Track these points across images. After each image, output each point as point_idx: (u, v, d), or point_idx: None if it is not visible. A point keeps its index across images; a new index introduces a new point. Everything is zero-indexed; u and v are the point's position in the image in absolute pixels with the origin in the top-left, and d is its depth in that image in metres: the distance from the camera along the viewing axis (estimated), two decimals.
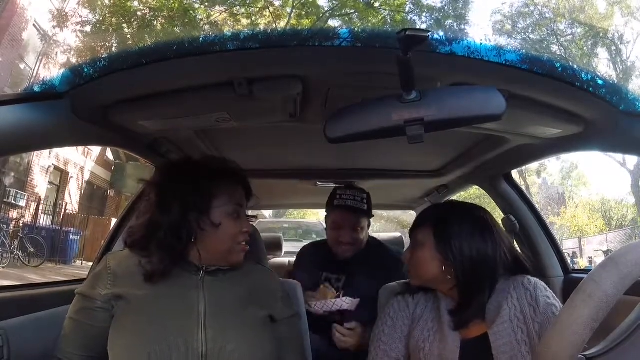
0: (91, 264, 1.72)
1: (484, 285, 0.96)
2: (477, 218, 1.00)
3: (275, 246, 2.83)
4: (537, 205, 1.65)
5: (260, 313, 0.95)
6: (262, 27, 8.85)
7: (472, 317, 0.96)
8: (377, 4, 9.29)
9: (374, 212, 1.63)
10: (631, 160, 15.64)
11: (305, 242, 1.85)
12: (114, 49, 8.94)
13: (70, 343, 0.89)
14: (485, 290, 0.96)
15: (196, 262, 0.93)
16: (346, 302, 1.40)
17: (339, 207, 1.54)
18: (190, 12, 8.67)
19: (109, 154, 12.76)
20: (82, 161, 11.89)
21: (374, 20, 8.96)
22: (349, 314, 1.41)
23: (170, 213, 0.89)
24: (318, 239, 1.96)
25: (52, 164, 10.81)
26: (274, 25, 8.90)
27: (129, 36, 8.62)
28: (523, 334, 0.92)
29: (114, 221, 3.07)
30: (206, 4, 9.16)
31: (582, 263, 12.95)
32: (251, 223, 1.01)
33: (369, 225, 1.61)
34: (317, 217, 13.87)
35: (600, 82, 0.86)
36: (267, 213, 12.49)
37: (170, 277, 0.91)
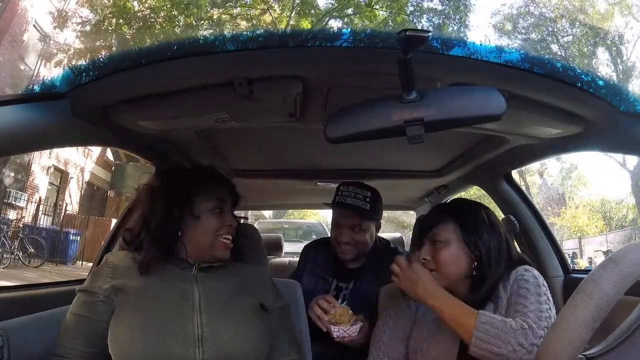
0: (91, 264, 1.72)
1: (500, 277, 0.98)
2: (488, 214, 1.03)
3: (275, 246, 2.83)
4: (537, 206, 1.65)
5: (252, 301, 1.00)
6: (262, 27, 8.85)
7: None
8: (377, 6, 9.28)
9: None
10: (631, 160, 15.64)
11: (305, 243, 1.81)
12: (114, 49, 8.94)
13: (72, 338, 0.91)
14: (500, 281, 0.98)
15: (188, 259, 0.98)
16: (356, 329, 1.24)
17: (337, 205, 1.45)
18: (192, 7, 8.65)
19: (109, 155, 12.76)
20: (82, 162, 11.89)
21: (373, 23, 8.94)
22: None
23: (157, 211, 0.97)
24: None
25: (52, 165, 10.80)
26: (274, 27, 8.90)
27: (128, 37, 8.62)
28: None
29: (114, 222, 3.07)
30: (206, 3, 9.16)
31: (582, 263, 12.93)
32: (251, 224, 1.03)
33: (378, 228, 1.50)
34: (317, 217, 13.89)
35: (600, 82, 0.86)
36: (267, 213, 12.50)
37: (166, 273, 0.96)
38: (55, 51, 9.69)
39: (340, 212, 1.45)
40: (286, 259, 2.71)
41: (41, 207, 10.41)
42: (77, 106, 0.87)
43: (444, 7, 9.86)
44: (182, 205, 0.98)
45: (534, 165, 18.74)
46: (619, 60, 12.69)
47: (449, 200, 1.05)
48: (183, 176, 1.05)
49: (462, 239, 0.98)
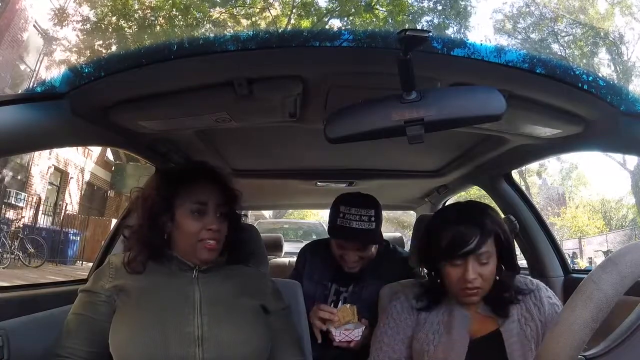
0: (91, 264, 1.72)
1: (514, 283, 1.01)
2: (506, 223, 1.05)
3: (275, 246, 2.83)
4: (537, 206, 1.65)
5: (253, 302, 1.00)
6: (262, 27, 8.84)
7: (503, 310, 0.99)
8: (377, 6, 9.28)
9: None
10: (631, 160, 15.65)
11: (306, 243, 1.80)
12: (113, 48, 8.94)
13: (74, 338, 0.91)
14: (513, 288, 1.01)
15: (186, 261, 0.98)
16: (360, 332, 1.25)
17: (341, 229, 1.34)
18: (193, 10, 8.65)
19: (109, 155, 12.75)
20: (82, 162, 11.88)
21: (373, 23, 8.94)
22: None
23: (144, 218, 0.98)
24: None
25: (52, 165, 10.80)
26: (274, 26, 8.90)
27: (129, 36, 8.61)
28: (532, 331, 0.95)
29: (114, 222, 3.07)
30: (206, 3, 9.16)
31: (582, 264, 12.93)
32: (250, 223, 1.02)
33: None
34: (317, 217, 13.88)
35: (600, 82, 0.86)
36: (267, 213, 12.49)
37: (167, 274, 0.97)
38: (55, 51, 9.68)
39: (346, 237, 1.36)
40: (286, 259, 2.71)
41: (41, 207, 10.41)
42: (77, 106, 0.86)
43: (443, 7, 9.87)
44: (164, 213, 0.98)
45: (534, 165, 18.73)
46: (619, 60, 12.68)
47: (473, 207, 1.02)
48: (167, 181, 1.02)
49: (497, 253, 0.98)
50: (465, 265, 0.95)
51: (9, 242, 8.56)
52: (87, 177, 12.26)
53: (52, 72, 9.65)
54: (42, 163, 10.40)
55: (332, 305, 1.36)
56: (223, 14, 9.36)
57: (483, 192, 1.74)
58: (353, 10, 9.19)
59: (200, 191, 0.99)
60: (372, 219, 1.34)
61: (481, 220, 0.97)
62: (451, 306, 1.02)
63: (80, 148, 11.13)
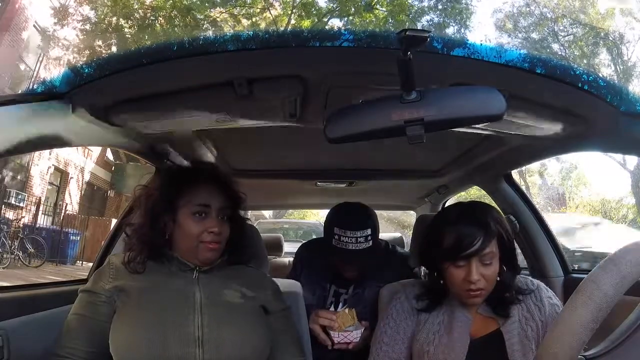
0: (91, 264, 1.72)
1: (511, 285, 1.02)
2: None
3: (275, 247, 2.83)
4: (537, 206, 1.65)
5: (253, 303, 1.00)
6: (262, 27, 8.85)
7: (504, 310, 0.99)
8: (377, 6, 9.28)
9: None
10: (631, 160, 15.60)
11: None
12: (113, 48, 8.95)
13: (74, 338, 0.91)
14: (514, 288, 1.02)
15: (185, 261, 0.98)
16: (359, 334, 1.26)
17: (339, 252, 1.31)
18: (193, 11, 8.66)
19: (109, 155, 12.76)
20: (82, 162, 11.89)
21: (373, 22, 8.95)
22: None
23: (146, 217, 0.99)
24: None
25: (52, 165, 10.80)
26: (275, 26, 8.90)
27: (128, 36, 8.61)
28: (532, 331, 0.95)
29: (114, 222, 3.07)
30: (206, 4, 9.15)
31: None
32: (251, 223, 1.02)
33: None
34: (317, 217, 13.87)
35: (600, 82, 0.86)
36: (267, 213, 12.50)
37: (167, 275, 0.97)
38: (55, 51, 9.68)
39: (342, 258, 1.33)
40: (286, 259, 2.71)
41: (41, 207, 10.41)
42: (77, 106, 0.86)
43: (444, 6, 9.86)
44: (166, 213, 0.98)
45: (534, 165, 18.69)
46: (619, 60, 12.68)
47: (476, 207, 1.01)
48: (170, 181, 1.02)
49: (500, 254, 0.98)
50: (469, 266, 0.95)
51: (9, 242, 8.57)
52: (87, 177, 12.27)
53: (52, 72, 9.65)
54: (42, 163, 10.40)
55: (331, 306, 1.36)
56: (223, 14, 9.36)
57: (483, 192, 1.74)
58: (353, 10, 9.19)
59: (203, 193, 0.99)
60: (369, 238, 1.31)
61: (485, 221, 0.97)
62: (452, 307, 1.02)
63: (80, 148, 11.13)
